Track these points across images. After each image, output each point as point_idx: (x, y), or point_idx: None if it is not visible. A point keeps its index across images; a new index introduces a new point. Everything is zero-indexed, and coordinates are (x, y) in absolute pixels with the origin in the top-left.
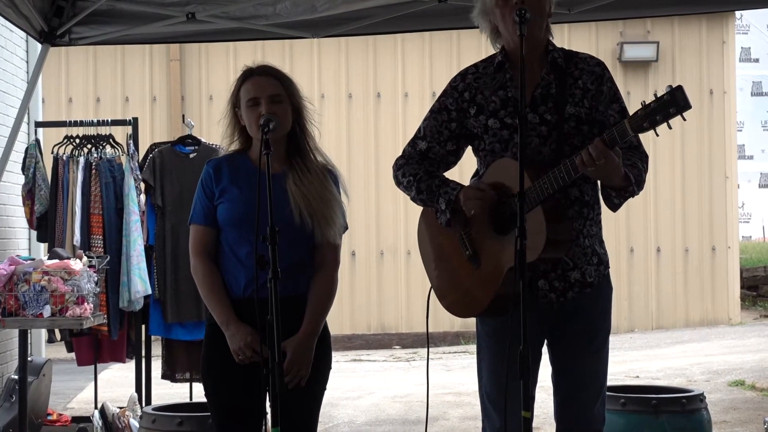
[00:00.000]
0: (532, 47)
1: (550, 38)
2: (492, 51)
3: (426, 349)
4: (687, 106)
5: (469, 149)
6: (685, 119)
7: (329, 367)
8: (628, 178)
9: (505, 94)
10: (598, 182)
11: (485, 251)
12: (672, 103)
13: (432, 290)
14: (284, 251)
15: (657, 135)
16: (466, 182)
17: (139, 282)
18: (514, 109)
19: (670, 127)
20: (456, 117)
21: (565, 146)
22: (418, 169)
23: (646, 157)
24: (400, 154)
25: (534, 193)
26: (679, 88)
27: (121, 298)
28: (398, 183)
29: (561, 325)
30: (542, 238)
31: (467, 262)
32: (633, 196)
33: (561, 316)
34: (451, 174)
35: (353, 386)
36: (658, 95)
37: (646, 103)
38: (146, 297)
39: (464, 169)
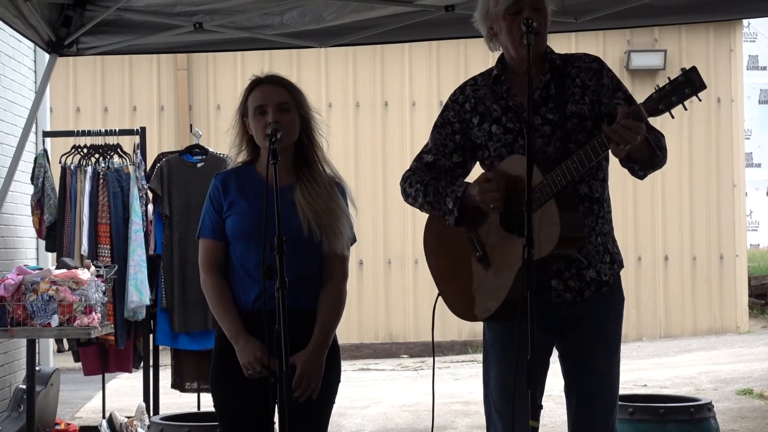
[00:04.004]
0: (534, 57)
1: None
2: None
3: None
4: (702, 86)
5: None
6: (700, 99)
7: (338, 380)
8: (648, 143)
9: (506, 104)
10: (607, 179)
11: (496, 251)
12: (687, 84)
13: (438, 299)
14: (293, 264)
15: (672, 117)
16: None
17: (134, 292)
18: (515, 115)
19: (672, 117)
20: (459, 129)
21: (570, 143)
22: (425, 176)
23: (661, 134)
24: (407, 165)
25: (546, 186)
26: (693, 69)
27: (125, 307)
28: (406, 195)
29: (572, 334)
30: (556, 231)
31: (477, 264)
32: (660, 164)
33: (571, 324)
34: None
35: (361, 395)
36: (672, 78)
37: (660, 86)
38: (152, 306)
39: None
